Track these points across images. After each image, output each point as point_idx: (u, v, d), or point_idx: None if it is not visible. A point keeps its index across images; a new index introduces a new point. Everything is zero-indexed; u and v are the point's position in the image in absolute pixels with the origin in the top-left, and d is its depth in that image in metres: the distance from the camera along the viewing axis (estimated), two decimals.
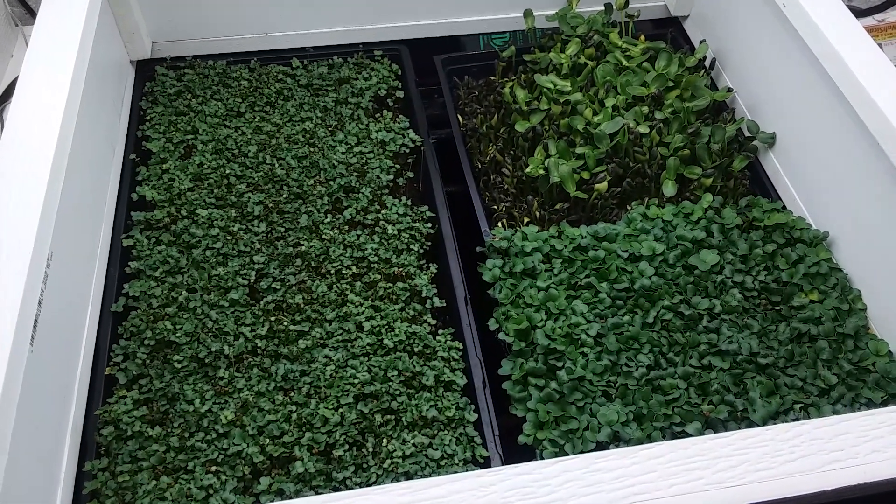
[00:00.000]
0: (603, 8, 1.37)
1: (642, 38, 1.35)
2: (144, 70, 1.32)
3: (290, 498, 0.86)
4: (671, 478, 0.60)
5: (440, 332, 1.02)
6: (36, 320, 0.78)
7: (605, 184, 1.13)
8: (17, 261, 0.77)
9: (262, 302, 1.03)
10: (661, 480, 0.59)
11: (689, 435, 0.90)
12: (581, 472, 0.59)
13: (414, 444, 0.91)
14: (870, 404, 0.94)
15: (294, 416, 0.92)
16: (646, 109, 1.21)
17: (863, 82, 0.96)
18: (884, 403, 0.94)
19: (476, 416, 0.94)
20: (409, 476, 0.89)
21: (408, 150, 1.25)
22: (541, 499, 0.58)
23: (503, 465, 0.78)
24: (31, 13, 1.46)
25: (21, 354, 0.74)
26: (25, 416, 0.75)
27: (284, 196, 1.15)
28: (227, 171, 1.17)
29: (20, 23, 1.43)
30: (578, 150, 1.17)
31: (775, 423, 0.75)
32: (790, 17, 1.09)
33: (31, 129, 0.90)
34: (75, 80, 0.98)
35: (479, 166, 1.23)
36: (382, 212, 1.14)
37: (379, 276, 1.06)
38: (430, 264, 1.10)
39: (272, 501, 0.86)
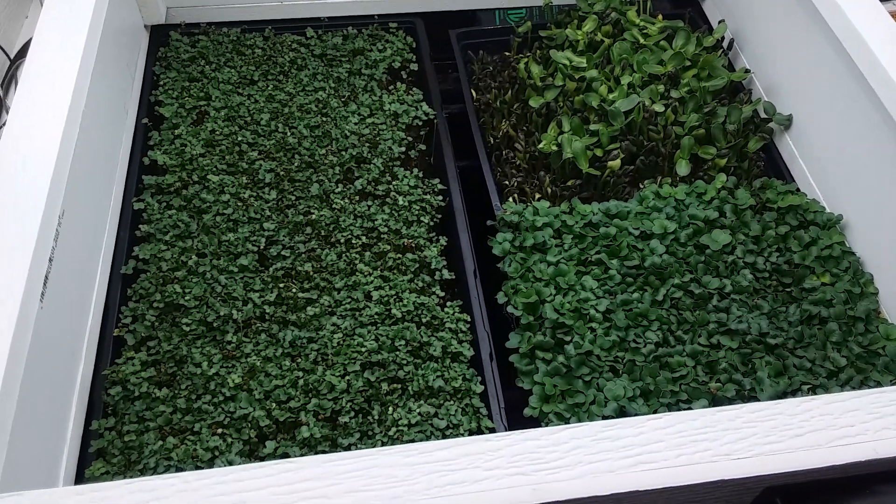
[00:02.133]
0: None
1: (660, 17, 1.33)
2: (158, 35, 1.31)
3: None
4: (678, 448, 0.59)
5: (448, 303, 1.02)
6: (46, 277, 0.79)
7: (618, 161, 1.12)
8: (29, 216, 0.78)
9: (271, 269, 1.03)
10: (668, 451, 0.59)
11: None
12: (588, 439, 0.59)
13: (420, 413, 0.91)
14: (879, 387, 0.94)
15: (301, 381, 0.92)
16: (661, 88, 1.20)
17: (883, 62, 0.95)
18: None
19: (482, 387, 0.94)
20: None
21: (420, 123, 1.24)
22: (548, 464, 0.58)
23: None
24: None
25: (31, 309, 0.74)
26: (34, 371, 0.75)
27: (296, 165, 1.14)
28: (239, 139, 1.16)
29: None
30: (592, 127, 1.17)
31: None
32: None
33: (44, 88, 0.90)
34: (89, 43, 0.98)
35: (492, 141, 1.22)
36: (394, 183, 1.14)
37: (388, 247, 1.06)
38: (441, 237, 1.10)
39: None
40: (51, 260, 0.80)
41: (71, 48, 0.95)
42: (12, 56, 1.31)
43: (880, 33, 0.99)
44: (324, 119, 1.21)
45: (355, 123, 1.21)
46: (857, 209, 1.07)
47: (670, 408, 0.91)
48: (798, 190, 1.15)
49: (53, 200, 0.82)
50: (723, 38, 1.32)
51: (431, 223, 1.11)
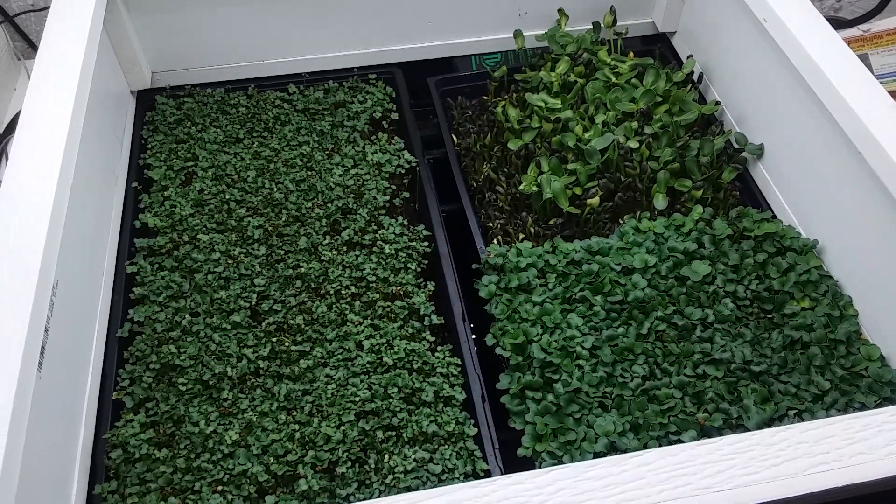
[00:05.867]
0: (591, 27, 1.40)
1: (631, 54, 1.37)
2: (145, 99, 1.35)
3: None
4: (660, 484, 0.61)
5: (439, 348, 1.04)
6: (43, 347, 0.81)
7: (597, 199, 1.15)
8: (23, 289, 0.80)
9: (263, 323, 1.05)
10: (649, 487, 0.61)
11: (683, 443, 0.91)
12: (572, 480, 0.61)
13: (415, 460, 0.93)
14: (863, 409, 0.96)
15: (297, 434, 0.94)
16: (635, 125, 1.24)
17: (840, 91, 0.98)
18: (877, 407, 0.96)
19: (476, 430, 0.96)
20: (410, 491, 0.90)
21: (403, 171, 1.27)
22: None
23: None
24: (33, 47, 1.49)
25: (29, 380, 0.76)
26: (35, 440, 0.77)
27: (283, 219, 1.17)
28: (227, 197, 1.19)
29: (22, 57, 1.47)
30: (570, 167, 1.20)
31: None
32: (771, 31, 1.12)
33: (34, 160, 0.93)
34: (76, 112, 1.00)
35: (474, 185, 1.25)
36: (380, 232, 1.16)
37: (377, 296, 1.09)
38: (428, 282, 1.12)
39: None
40: (47, 330, 0.82)
41: (58, 119, 0.98)
42: (1, 130, 1.35)
43: (835, 61, 1.03)
44: (309, 173, 1.24)
45: (340, 175, 1.24)
46: (831, 232, 1.10)
47: (660, 440, 0.93)
48: (774, 217, 1.18)
49: (47, 272, 0.84)
50: (692, 72, 1.36)
51: (418, 269, 1.14)
